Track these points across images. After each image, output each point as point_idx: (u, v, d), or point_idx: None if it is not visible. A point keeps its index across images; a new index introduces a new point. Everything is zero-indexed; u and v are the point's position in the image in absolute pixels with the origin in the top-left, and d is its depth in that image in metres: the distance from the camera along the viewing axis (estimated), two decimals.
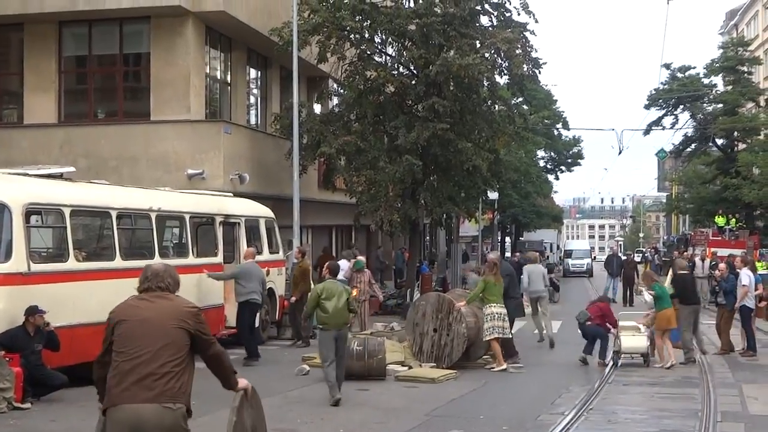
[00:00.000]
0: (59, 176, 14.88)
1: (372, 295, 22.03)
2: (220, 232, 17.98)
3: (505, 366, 16.07)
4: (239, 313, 16.58)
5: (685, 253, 38.17)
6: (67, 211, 13.37)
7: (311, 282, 20.91)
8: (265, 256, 19.41)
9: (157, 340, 5.41)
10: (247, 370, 14.82)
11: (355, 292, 17.14)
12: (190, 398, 5.49)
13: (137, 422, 5.26)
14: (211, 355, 5.71)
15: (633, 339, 16.83)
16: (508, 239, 67.37)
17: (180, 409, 5.37)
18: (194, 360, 5.61)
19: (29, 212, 12.78)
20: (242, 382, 5.99)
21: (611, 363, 16.65)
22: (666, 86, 51.73)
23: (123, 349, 5.44)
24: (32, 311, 12.01)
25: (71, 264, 13.32)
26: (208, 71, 23.85)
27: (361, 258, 21.70)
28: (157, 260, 15.36)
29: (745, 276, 18.59)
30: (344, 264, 20.78)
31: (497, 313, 16.11)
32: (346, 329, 13.25)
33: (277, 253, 20.50)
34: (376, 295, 22.81)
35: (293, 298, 19.39)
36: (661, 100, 51.55)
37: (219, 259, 17.72)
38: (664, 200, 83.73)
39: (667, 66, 52.53)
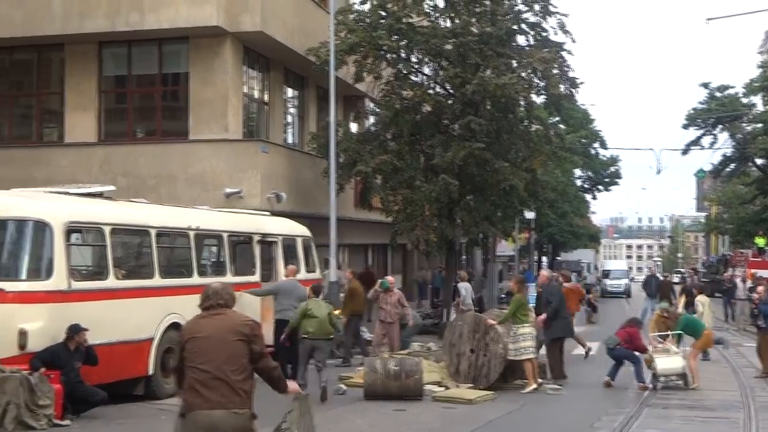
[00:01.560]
0: (99, 195, 15.02)
1: (401, 316, 20.20)
2: (257, 250, 18.01)
3: (535, 386, 15.91)
4: (276, 331, 16.58)
5: (725, 275, 37.73)
6: (107, 230, 13.48)
7: (361, 303, 21.00)
8: (302, 275, 19.41)
9: (220, 352, 6.06)
10: None
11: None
12: (252, 404, 6.11)
13: (211, 425, 5.96)
14: (261, 367, 6.28)
15: (668, 360, 16.58)
16: (544, 259, 67.06)
17: (246, 413, 6.05)
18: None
19: (70, 230, 12.90)
20: (292, 386, 6.63)
21: (651, 386, 16.44)
22: (704, 106, 51.38)
23: (192, 363, 6.10)
24: (76, 329, 12.09)
25: (111, 282, 13.42)
26: (245, 91, 24.01)
27: (388, 278, 21.23)
28: (195, 279, 15.46)
29: None
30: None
31: (529, 333, 16.00)
32: (324, 342, 14.71)
33: (314, 271, 20.49)
34: (406, 319, 20.24)
35: (343, 319, 19.51)
36: (699, 120, 51.23)
37: (257, 277, 17.74)
38: (703, 220, 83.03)
39: (706, 85, 52.22)
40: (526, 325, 16.04)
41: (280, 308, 16.49)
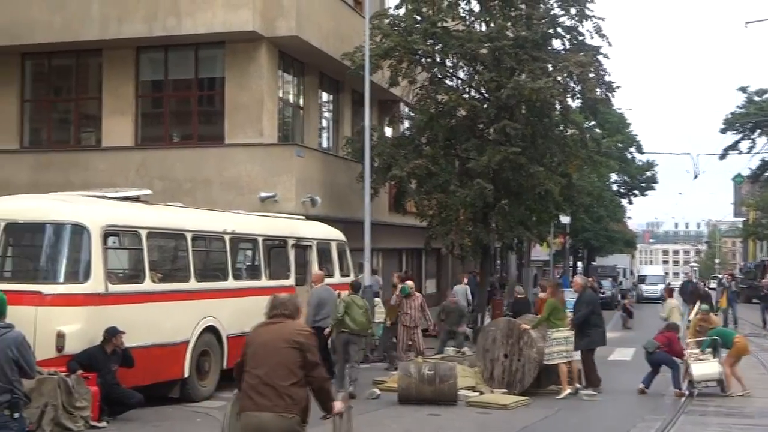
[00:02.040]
0: (136, 199, 15.17)
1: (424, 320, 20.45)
2: (292, 254, 18.07)
3: (569, 390, 15.82)
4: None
5: (763, 281, 37.31)
6: (143, 233, 13.60)
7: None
8: (336, 278, 19.45)
9: (271, 359, 6.38)
10: None
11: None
12: (304, 409, 6.39)
13: (260, 426, 6.29)
14: (313, 376, 6.50)
15: (704, 366, 16.40)
16: (580, 264, 66.67)
17: (294, 417, 6.33)
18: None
19: (107, 234, 13.02)
20: (337, 406, 6.79)
21: (688, 393, 16.28)
22: (742, 110, 50.90)
23: (249, 366, 6.47)
24: (113, 332, 12.21)
25: (147, 285, 13.53)
26: (281, 95, 24.10)
27: (409, 283, 21.23)
28: (230, 282, 15.55)
29: None
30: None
31: (564, 338, 15.91)
32: (359, 337, 15.65)
33: (348, 276, 20.51)
34: (426, 324, 20.33)
35: (388, 322, 19.58)
36: (737, 124, 50.80)
37: (291, 281, 17.81)
38: (741, 226, 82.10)
39: (744, 89, 51.72)
40: (560, 329, 15.95)
41: (320, 317, 16.49)
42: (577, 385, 16.14)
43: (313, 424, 6.77)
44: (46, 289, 12.20)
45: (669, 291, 26.50)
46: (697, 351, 16.76)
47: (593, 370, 16.63)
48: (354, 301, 15.87)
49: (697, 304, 22.01)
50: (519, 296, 24.20)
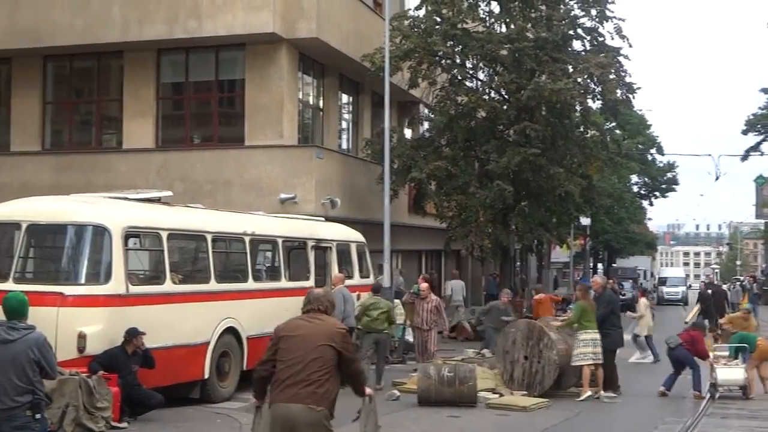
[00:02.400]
0: (157, 200, 15.21)
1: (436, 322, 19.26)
2: (312, 256, 18.08)
3: (589, 393, 15.75)
4: None
5: None
6: (164, 235, 13.64)
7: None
8: (356, 280, 19.46)
9: (308, 353, 6.53)
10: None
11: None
12: (333, 403, 6.57)
13: (288, 417, 6.44)
14: (351, 371, 6.79)
15: (729, 371, 16.32)
16: (600, 266, 66.42)
17: (322, 410, 6.49)
18: (339, 374, 6.67)
19: (128, 235, 13.07)
20: (368, 390, 7.17)
21: (708, 395, 16.19)
22: (764, 111, 50.57)
23: (282, 359, 6.59)
24: (133, 333, 12.25)
25: (168, 286, 13.57)
26: (300, 97, 24.15)
27: (423, 285, 20.91)
28: (250, 284, 15.58)
29: None
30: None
31: (592, 339, 15.85)
32: (384, 335, 16.48)
33: (368, 277, 20.52)
34: (440, 326, 19.43)
35: (408, 323, 19.65)
36: (759, 125, 50.43)
37: (311, 282, 17.79)
38: (763, 227, 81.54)
39: (766, 90, 51.34)
40: (588, 331, 15.90)
41: (344, 316, 16.51)
42: (601, 392, 15.99)
43: (340, 423, 6.90)
44: (68, 290, 12.25)
45: (642, 291, 28.00)
46: (725, 353, 16.68)
47: (614, 372, 16.56)
48: (375, 303, 16.41)
49: (697, 306, 22.20)
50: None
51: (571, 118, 26.16)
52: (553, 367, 15.73)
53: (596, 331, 15.94)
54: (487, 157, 24.66)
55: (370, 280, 20.69)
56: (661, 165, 62.76)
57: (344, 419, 7.32)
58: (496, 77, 25.93)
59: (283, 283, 16.71)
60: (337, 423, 6.73)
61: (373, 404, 7.38)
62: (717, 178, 46.88)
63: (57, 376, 8.02)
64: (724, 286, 41.33)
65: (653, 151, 59.53)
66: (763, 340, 17.42)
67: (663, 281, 66.16)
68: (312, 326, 6.68)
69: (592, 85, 25.62)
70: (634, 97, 26.91)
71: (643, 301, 24.24)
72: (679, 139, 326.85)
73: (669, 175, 63.40)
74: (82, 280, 12.55)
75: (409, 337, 20.98)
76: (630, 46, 25.75)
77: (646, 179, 61.99)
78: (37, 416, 7.04)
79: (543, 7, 25.67)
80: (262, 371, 6.84)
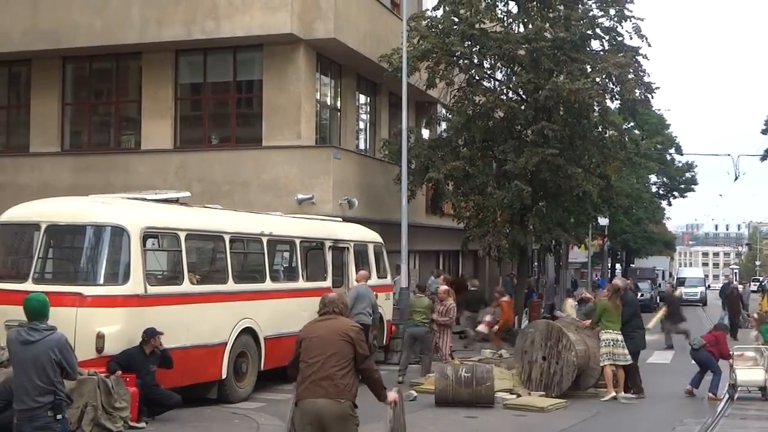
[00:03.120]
0: (175, 201, 15.27)
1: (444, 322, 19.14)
2: (329, 256, 18.11)
3: (614, 394, 15.71)
4: None
5: None
6: (182, 235, 13.69)
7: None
8: (374, 280, 19.46)
9: (327, 350, 7.11)
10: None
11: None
12: (355, 395, 7.11)
13: (317, 411, 7.00)
14: (363, 368, 7.25)
15: (750, 372, 16.25)
16: (618, 266, 66.19)
17: (346, 402, 7.05)
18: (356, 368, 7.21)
19: (146, 236, 13.12)
20: (391, 396, 7.57)
21: (726, 397, 16.11)
22: None
23: (305, 358, 7.19)
24: (151, 333, 12.30)
25: (186, 287, 13.61)
26: (318, 97, 24.17)
27: (441, 287, 20.97)
28: (268, 284, 15.61)
29: None
30: None
31: (612, 340, 15.79)
32: (420, 329, 17.65)
33: (385, 277, 20.55)
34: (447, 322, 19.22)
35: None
36: None
37: (328, 283, 17.82)
38: None
39: None
40: (609, 330, 15.85)
41: (356, 312, 16.52)
42: (620, 393, 15.91)
43: (365, 421, 7.25)
44: (86, 290, 12.31)
45: (568, 292, 29.81)
46: (749, 354, 16.64)
47: (637, 374, 16.47)
48: (419, 300, 18.27)
49: (661, 311, 22.32)
50: (472, 289, 26.30)
51: (589, 118, 26.03)
52: (572, 368, 15.68)
53: (618, 331, 15.87)
54: (505, 158, 24.59)
55: (388, 281, 20.72)
56: (680, 165, 62.50)
57: (368, 418, 7.69)
58: (513, 77, 25.84)
59: (301, 284, 16.74)
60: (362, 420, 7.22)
61: (399, 409, 7.84)
62: (736, 178, 46.62)
63: (78, 376, 8.07)
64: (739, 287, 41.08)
65: (672, 150, 59.31)
66: None
67: (681, 281, 65.82)
68: (328, 325, 7.25)
69: (611, 85, 25.48)
70: (652, 97, 26.73)
71: (568, 302, 25.18)
72: (698, 139, 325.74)
73: (688, 175, 63.14)
74: (101, 281, 12.60)
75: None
76: (649, 45, 25.58)
77: (665, 179, 61.77)
78: (59, 417, 7.09)
79: (561, 7, 25.55)
80: (293, 371, 7.39)
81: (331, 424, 7.01)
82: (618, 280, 18.26)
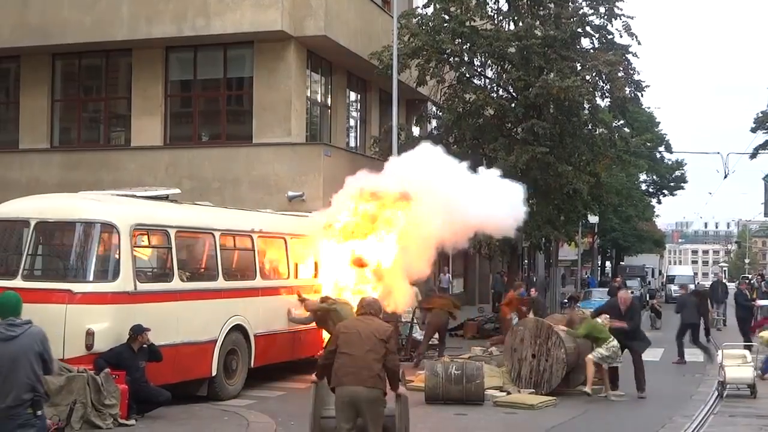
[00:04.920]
0: (165, 198, 15.22)
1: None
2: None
3: (593, 388, 15.67)
4: None
5: None
6: (172, 232, 13.66)
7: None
8: None
9: (364, 345, 8.51)
10: None
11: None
12: (385, 385, 8.55)
13: (354, 396, 8.42)
14: (389, 363, 8.56)
15: (738, 370, 16.30)
16: (608, 264, 66.31)
17: (378, 390, 8.50)
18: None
19: (136, 233, 13.09)
20: (402, 389, 8.98)
21: (716, 394, 16.17)
22: None
23: (344, 350, 8.54)
24: (138, 330, 12.26)
25: (176, 284, 13.58)
26: (308, 95, 24.15)
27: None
28: (258, 281, 15.58)
29: None
30: None
31: (614, 347, 15.75)
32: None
33: None
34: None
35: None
36: None
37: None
38: None
39: None
40: (610, 341, 15.80)
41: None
42: (609, 391, 15.90)
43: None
44: (76, 287, 12.27)
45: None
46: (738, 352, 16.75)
47: (642, 371, 16.46)
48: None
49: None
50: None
51: (579, 115, 26.10)
52: (561, 365, 15.70)
53: (612, 337, 15.83)
54: (495, 155, 24.62)
55: None
56: (670, 163, 62.62)
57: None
58: (504, 75, 25.90)
59: (291, 281, 16.72)
60: None
61: (402, 403, 9.06)
62: (726, 176, 46.66)
63: (56, 370, 8.03)
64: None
65: (661, 148, 59.41)
66: None
67: (671, 279, 66.01)
68: (365, 324, 8.68)
69: (601, 83, 25.58)
70: (642, 95, 26.88)
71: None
72: (688, 137, 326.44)
73: (677, 172, 63.27)
74: (90, 278, 12.56)
75: (417, 334, 21.05)
76: (639, 43, 25.75)
77: (655, 177, 61.87)
78: (39, 413, 7.05)
79: (551, 5, 25.62)
80: (325, 360, 8.79)
81: (365, 407, 8.41)
82: (624, 294, 17.47)
